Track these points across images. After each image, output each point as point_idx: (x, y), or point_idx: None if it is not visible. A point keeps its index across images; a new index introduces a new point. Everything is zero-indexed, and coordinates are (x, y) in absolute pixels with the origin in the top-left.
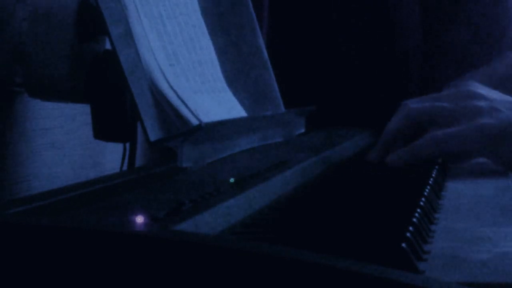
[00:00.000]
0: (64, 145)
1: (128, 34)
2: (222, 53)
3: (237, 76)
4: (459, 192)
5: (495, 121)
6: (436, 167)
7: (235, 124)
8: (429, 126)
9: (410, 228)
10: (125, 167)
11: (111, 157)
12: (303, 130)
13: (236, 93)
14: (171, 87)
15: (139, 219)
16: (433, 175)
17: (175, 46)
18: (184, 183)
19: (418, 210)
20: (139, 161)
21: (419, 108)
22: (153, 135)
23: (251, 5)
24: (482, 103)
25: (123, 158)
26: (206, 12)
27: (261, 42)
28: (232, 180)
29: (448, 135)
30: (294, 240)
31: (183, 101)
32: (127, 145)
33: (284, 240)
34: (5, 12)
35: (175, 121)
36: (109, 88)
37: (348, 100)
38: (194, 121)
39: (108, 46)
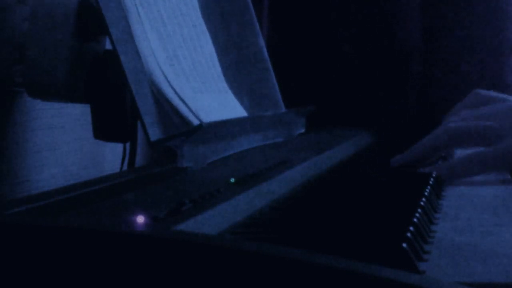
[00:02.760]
0: (64, 145)
1: (128, 34)
2: (222, 53)
3: (237, 76)
4: (460, 192)
5: None
6: None
7: (235, 124)
8: (471, 145)
9: (411, 228)
10: (125, 167)
11: (111, 157)
12: (303, 130)
13: (236, 93)
14: (171, 87)
15: (139, 219)
16: (434, 175)
17: (175, 46)
18: (184, 183)
19: (419, 210)
20: (139, 161)
21: (461, 128)
22: (153, 135)
23: (251, 5)
24: None
25: (123, 158)
26: (206, 12)
27: (261, 42)
28: (232, 180)
29: (483, 154)
30: (295, 240)
31: (183, 101)
32: (127, 145)
33: (284, 240)
34: (5, 12)
35: (176, 121)
36: (109, 88)
37: (348, 100)
38: (195, 121)
39: (108, 46)
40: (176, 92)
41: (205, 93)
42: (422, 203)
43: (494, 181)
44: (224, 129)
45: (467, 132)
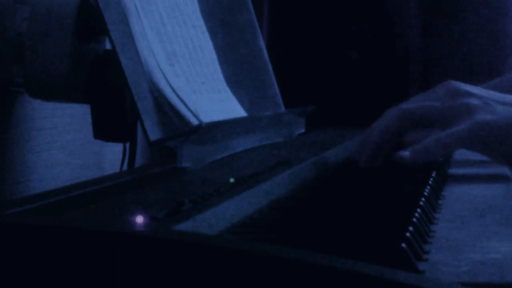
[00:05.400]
0: (64, 145)
1: (128, 34)
2: (222, 53)
3: (237, 76)
4: (459, 192)
5: (494, 117)
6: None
7: (235, 124)
8: (422, 127)
9: (410, 228)
10: (125, 167)
11: (111, 157)
12: (303, 130)
13: (236, 93)
14: (171, 87)
15: (139, 219)
16: (433, 175)
17: (175, 46)
18: (184, 183)
19: (418, 210)
20: (139, 161)
21: (411, 108)
22: (153, 135)
23: (251, 5)
24: (474, 101)
25: (123, 158)
26: (206, 12)
27: (261, 42)
28: (232, 180)
29: (452, 134)
30: (294, 240)
31: (183, 101)
32: (127, 145)
33: (284, 240)
34: (5, 12)
35: (175, 121)
36: (109, 88)
37: (348, 100)
38: (194, 121)
39: (108, 46)
40: (176, 92)
41: (205, 93)
42: (421, 203)
43: (494, 179)
44: (224, 129)
45: (413, 112)
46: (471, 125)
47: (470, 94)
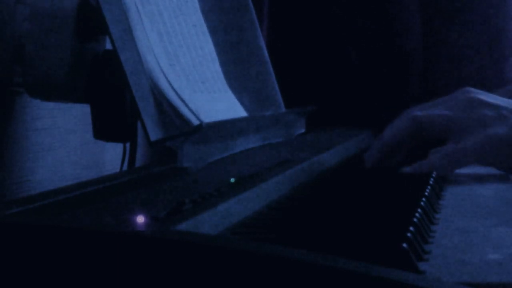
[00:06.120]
0: (64, 145)
1: (128, 34)
2: (222, 52)
3: (237, 76)
4: (460, 193)
5: (507, 130)
6: None
7: (235, 124)
8: (435, 135)
9: (411, 228)
10: (125, 167)
11: (111, 157)
12: (303, 130)
13: (236, 93)
14: (172, 87)
15: (139, 219)
16: (434, 175)
17: (175, 46)
18: (184, 183)
19: (419, 210)
20: (139, 161)
21: (425, 116)
22: (153, 135)
23: (251, 4)
24: (489, 112)
25: (123, 158)
26: (206, 12)
27: (261, 42)
28: (232, 180)
29: (462, 150)
30: (295, 240)
31: (183, 101)
32: (127, 145)
33: (284, 240)
34: (5, 12)
35: (176, 121)
36: (109, 88)
37: (348, 100)
38: (195, 121)
39: (108, 46)
40: (176, 92)
41: (205, 93)
42: (422, 203)
43: (494, 180)
44: (224, 129)
45: (425, 120)
46: (481, 139)
47: (486, 104)
